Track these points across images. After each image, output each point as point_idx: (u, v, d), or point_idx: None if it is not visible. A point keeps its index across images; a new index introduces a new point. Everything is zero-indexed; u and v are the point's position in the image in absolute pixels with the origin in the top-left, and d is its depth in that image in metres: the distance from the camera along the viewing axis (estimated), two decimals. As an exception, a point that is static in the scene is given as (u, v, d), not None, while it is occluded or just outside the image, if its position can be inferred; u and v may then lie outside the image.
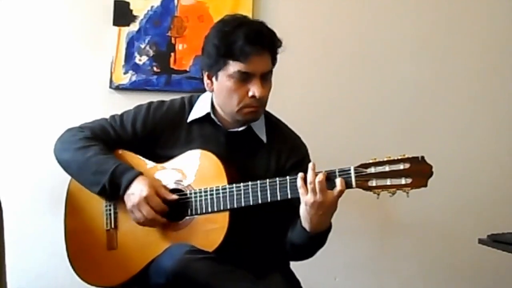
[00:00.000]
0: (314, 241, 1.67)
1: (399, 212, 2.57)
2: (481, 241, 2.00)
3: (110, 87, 2.58)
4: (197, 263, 1.57)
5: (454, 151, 2.66)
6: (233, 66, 1.69)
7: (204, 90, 1.84)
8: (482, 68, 2.69)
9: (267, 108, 1.82)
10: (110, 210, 1.80)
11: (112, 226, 1.80)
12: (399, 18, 2.68)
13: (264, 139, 1.82)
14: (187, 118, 1.83)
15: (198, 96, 1.87)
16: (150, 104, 1.87)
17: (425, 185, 1.56)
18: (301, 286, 1.80)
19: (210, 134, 1.80)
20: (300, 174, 1.60)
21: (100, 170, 1.73)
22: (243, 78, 1.70)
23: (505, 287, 2.62)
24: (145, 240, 1.74)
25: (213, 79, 1.76)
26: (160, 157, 1.80)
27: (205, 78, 1.79)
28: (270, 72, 1.75)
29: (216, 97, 1.79)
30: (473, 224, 2.53)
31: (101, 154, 1.76)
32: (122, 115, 1.86)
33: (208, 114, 1.81)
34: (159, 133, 1.82)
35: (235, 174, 1.72)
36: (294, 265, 1.87)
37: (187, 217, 1.73)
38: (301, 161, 1.81)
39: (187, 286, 1.56)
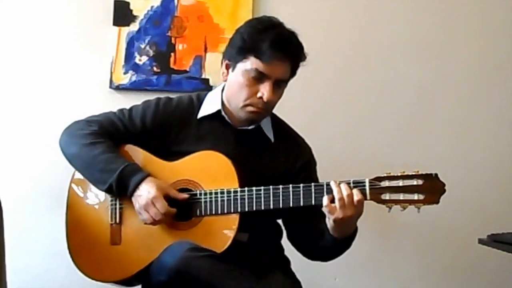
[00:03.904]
0: (343, 244, 1.71)
1: (399, 212, 2.56)
2: (481, 241, 2.00)
3: (110, 87, 2.58)
4: (198, 260, 1.57)
5: (454, 151, 2.66)
6: (252, 63, 1.70)
7: (204, 90, 1.84)
8: (482, 69, 2.69)
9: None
10: (115, 204, 1.78)
11: (117, 221, 1.77)
12: (400, 18, 2.68)
13: (272, 138, 1.83)
14: (197, 115, 1.82)
15: (206, 94, 1.87)
16: (158, 99, 1.86)
17: (437, 202, 1.59)
18: (302, 286, 1.79)
19: (220, 131, 1.80)
20: (326, 197, 1.60)
21: (107, 169, 1.71)
22: (258, 77, 1.71)
23: (505, 287, 2.62)
24: (150, 238, 1.72)
25: (230, 69, 1.77)
26: (169, 153, 1.78)
27: (223, 67, 1.80)
28: (286, 81, 1.77)
29: (227, 88, 1.80)
30: (473, 224, 2.53)
31: (109, 152, 1.74)
32: (130, 109, 1.85)
33: (219, 111, 1.80)
34: (168, 128, 1.80)
35: (245, 176, 1.72)
36: (294, 265, 1.87)
37: (195, 217, 1.72)
38: (308, 162, 1.86)
39: (189, 283, 1.56)
